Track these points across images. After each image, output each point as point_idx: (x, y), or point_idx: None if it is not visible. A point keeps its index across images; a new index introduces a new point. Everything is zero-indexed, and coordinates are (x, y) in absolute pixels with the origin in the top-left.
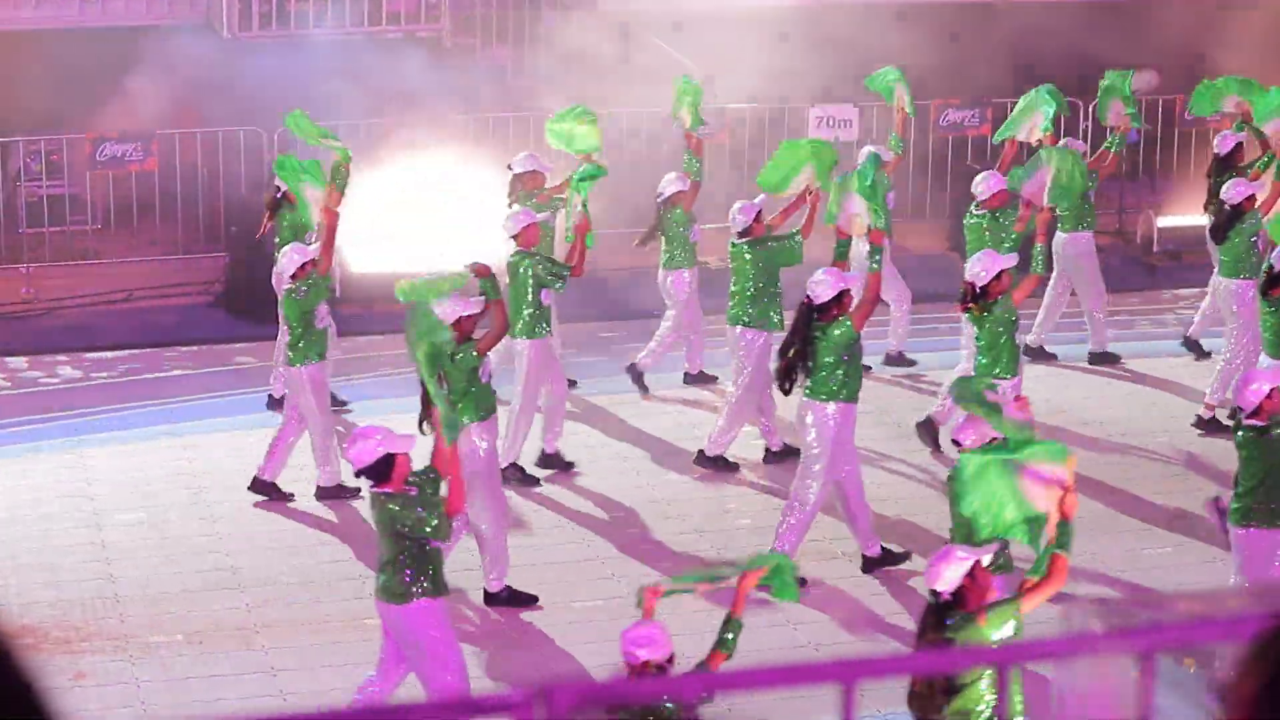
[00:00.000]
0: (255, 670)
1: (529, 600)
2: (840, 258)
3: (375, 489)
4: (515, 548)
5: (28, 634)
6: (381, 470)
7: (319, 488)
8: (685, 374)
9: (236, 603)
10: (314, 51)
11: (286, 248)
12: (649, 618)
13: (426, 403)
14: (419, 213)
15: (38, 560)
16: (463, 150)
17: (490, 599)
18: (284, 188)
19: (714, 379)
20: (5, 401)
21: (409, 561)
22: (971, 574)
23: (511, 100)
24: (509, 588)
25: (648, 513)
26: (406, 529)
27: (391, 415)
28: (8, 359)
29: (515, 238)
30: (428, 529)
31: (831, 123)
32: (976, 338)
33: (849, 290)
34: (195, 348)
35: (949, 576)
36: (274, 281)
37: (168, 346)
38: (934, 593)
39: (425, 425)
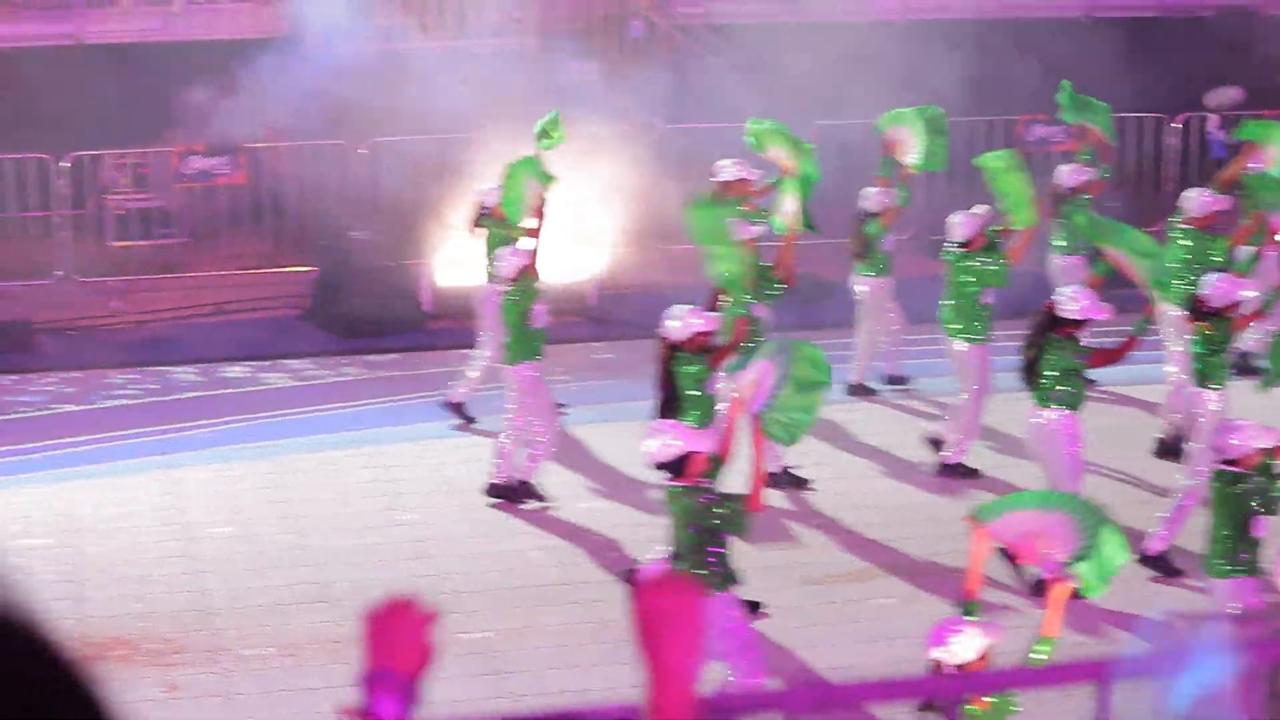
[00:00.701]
0: (347, 684)
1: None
2: (1099, 274)
3: (672, 483)
4: None
5: (120, 646)
6: (678, 465)
7: (492, 485)
8: (889, 376)
9: (328, 616)
10: (401, 64)
11: (502, 251)
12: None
13: (667, 406)
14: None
15: (130, 573)
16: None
17: None
18: (486, 202)
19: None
20: (95, 416)
21: (702, 555)
22: None
23: (603, 111)
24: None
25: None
26: (711, 524)
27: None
28: (95, 373)
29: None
30: (727, 525)
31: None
32: (1194, 344)
33: (1093, 320)
34: (283, 362)
35: None
36: (478, 290)
37: (256, 360)
38: None
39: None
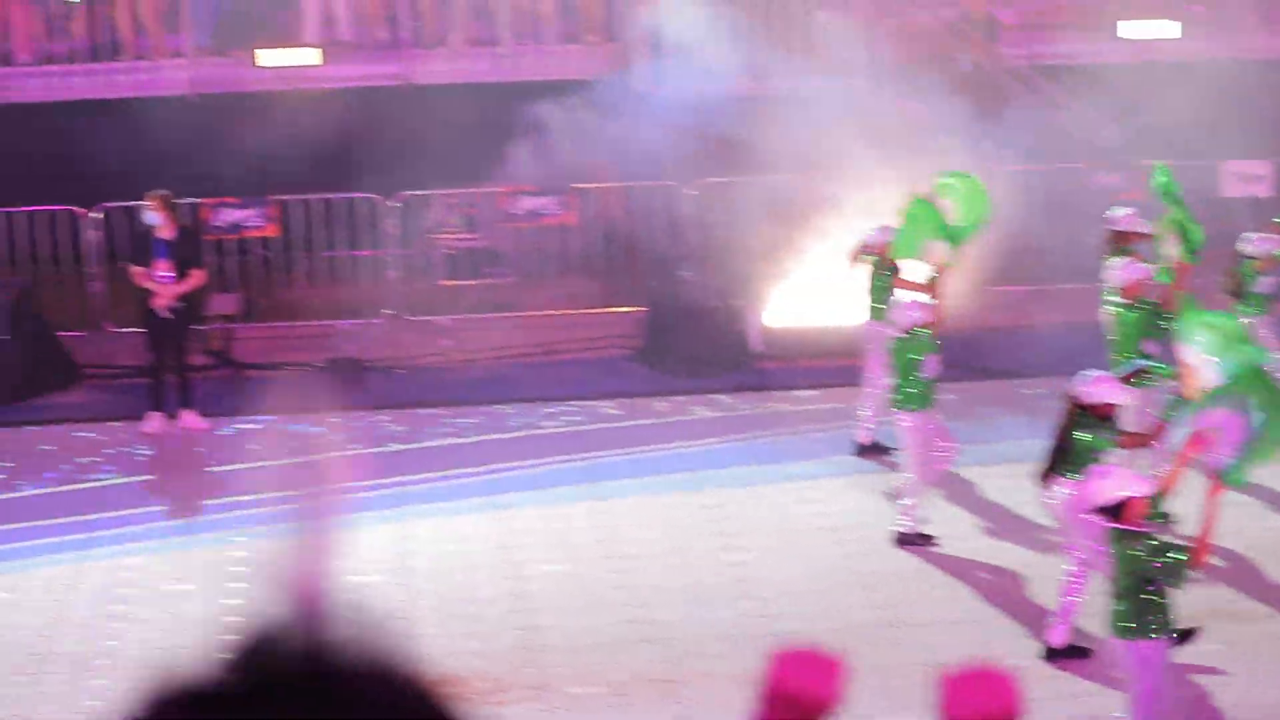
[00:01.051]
0: None
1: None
2: None
3: (1114, 526)
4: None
5: (451, 683)
6: (1117, 510)
7: (899, 534)
8: None
9: (657, 655)
10: (729, 106)
11: (903, 302)
12: None
13: (1056, 459)
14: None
15: (461, 610)
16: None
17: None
18: (870, 242)
19: None
20: (426, 454)
21: (1138, 601)
22: None
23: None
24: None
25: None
26: (1149, 571)
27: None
28: (425, 411)
29: (1122, 289)
30: (1164, 573)
31: (1244, 178)
32: None
33: None
34: (613, 402)
35: None
36: (868, 330)
37: (585, 400)
38: None
39: (1049, 479)
